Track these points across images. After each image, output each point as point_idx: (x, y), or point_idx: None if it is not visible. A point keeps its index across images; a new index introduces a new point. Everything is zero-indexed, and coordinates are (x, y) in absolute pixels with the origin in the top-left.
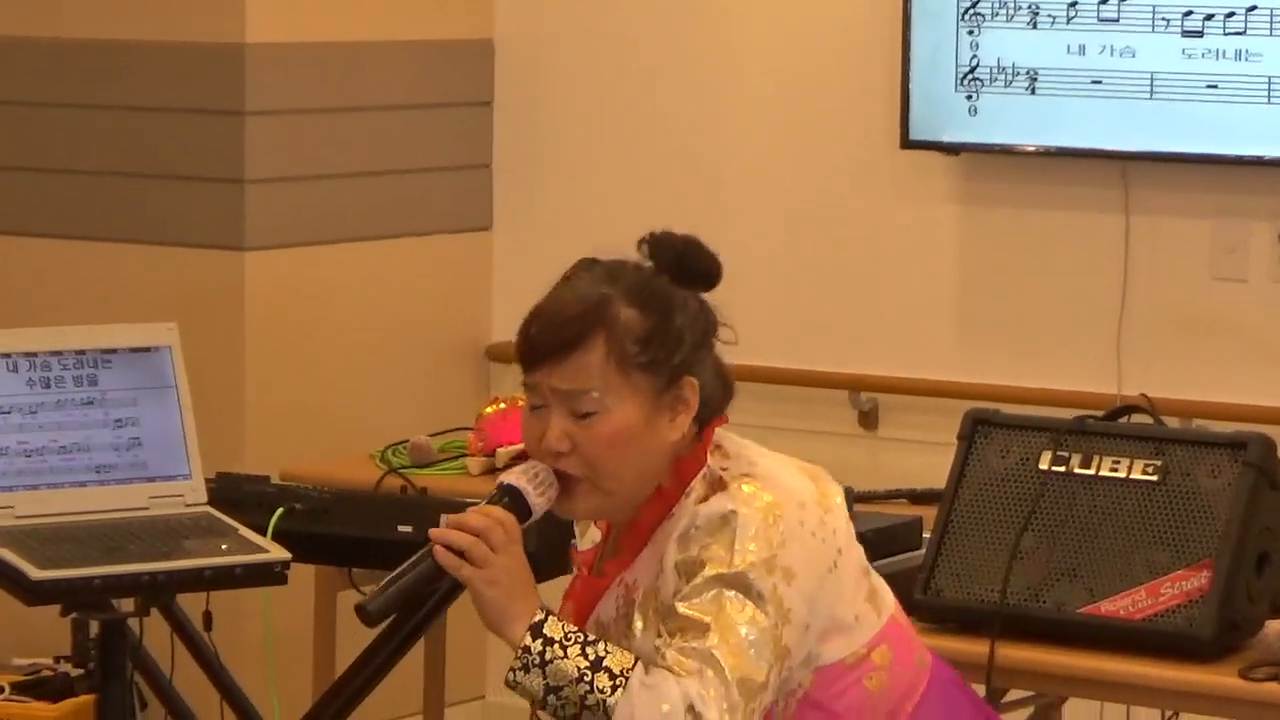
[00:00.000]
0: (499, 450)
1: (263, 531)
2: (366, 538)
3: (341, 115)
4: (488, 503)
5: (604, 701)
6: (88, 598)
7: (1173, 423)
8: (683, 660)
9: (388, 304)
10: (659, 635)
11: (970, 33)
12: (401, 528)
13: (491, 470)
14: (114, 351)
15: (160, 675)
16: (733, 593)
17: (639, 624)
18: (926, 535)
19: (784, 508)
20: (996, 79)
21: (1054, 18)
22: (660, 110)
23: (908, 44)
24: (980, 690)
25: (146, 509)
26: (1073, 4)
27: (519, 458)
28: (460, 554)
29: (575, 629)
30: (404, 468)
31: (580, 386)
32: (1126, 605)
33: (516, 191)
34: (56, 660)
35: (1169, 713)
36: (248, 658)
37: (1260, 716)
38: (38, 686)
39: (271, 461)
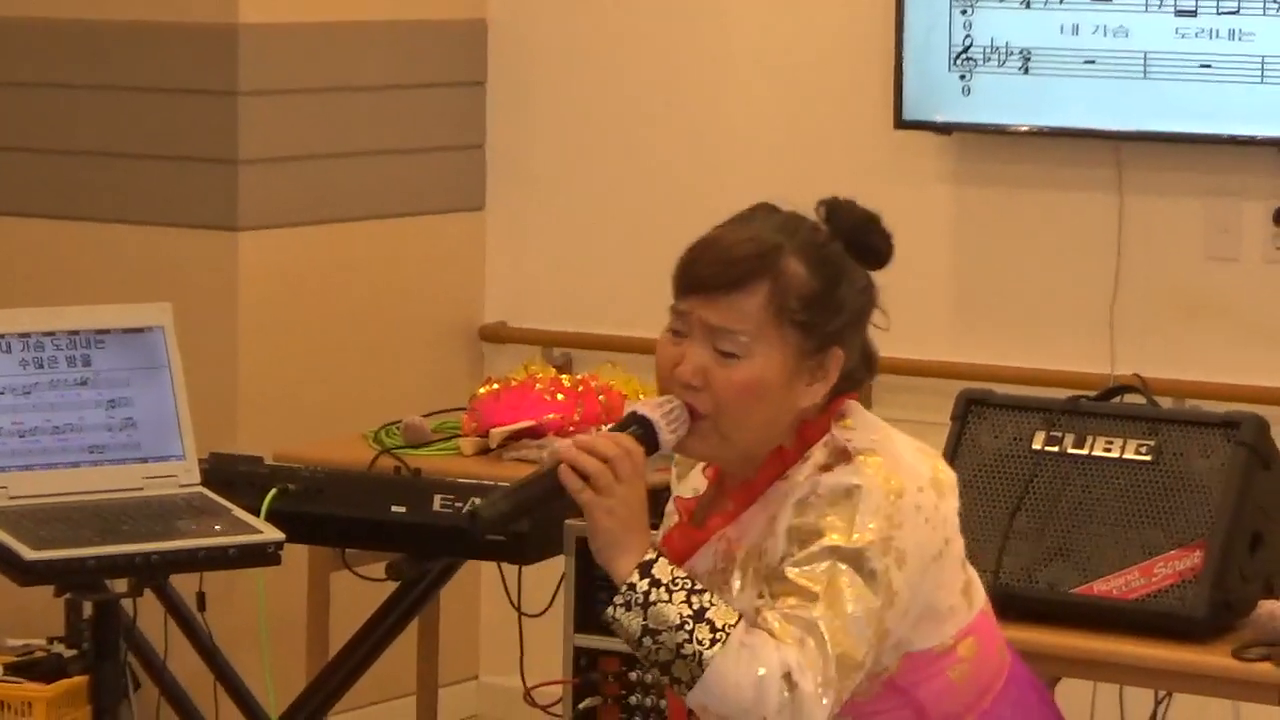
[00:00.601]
0: (492, 431)
1: (256, 512)
2: (360, 518)
3: (335, 95)
4: (616, 429)
5: (700, 654)
6: (81, 578)
7: (1166, 403)
8: (786, 626)
9: (381, 284)
10: (760, 596)
11: (964, 12)
12: (395, 508)
13: (485, 450)
14: (107, 332)
15: (154, 656)
16: (846, 567)
17: (737, 582)
18: None
19: (905, 489)
20: (990, 59)
21: None
22: (653, 90)
23: (901, 24)
24: None
25: (140, 489)
26: None
27: (513, 438)
28: (585, 478)
29: (685, 575)
30: (397, 448)
31: (733, 326)
32: (1120, 585)
33: (509, 172)
34: (50, 641)
35: (1162, 692)
36: (241, 638)
37: (1253, 696)
38: (31, 667)
39: (265, 442)
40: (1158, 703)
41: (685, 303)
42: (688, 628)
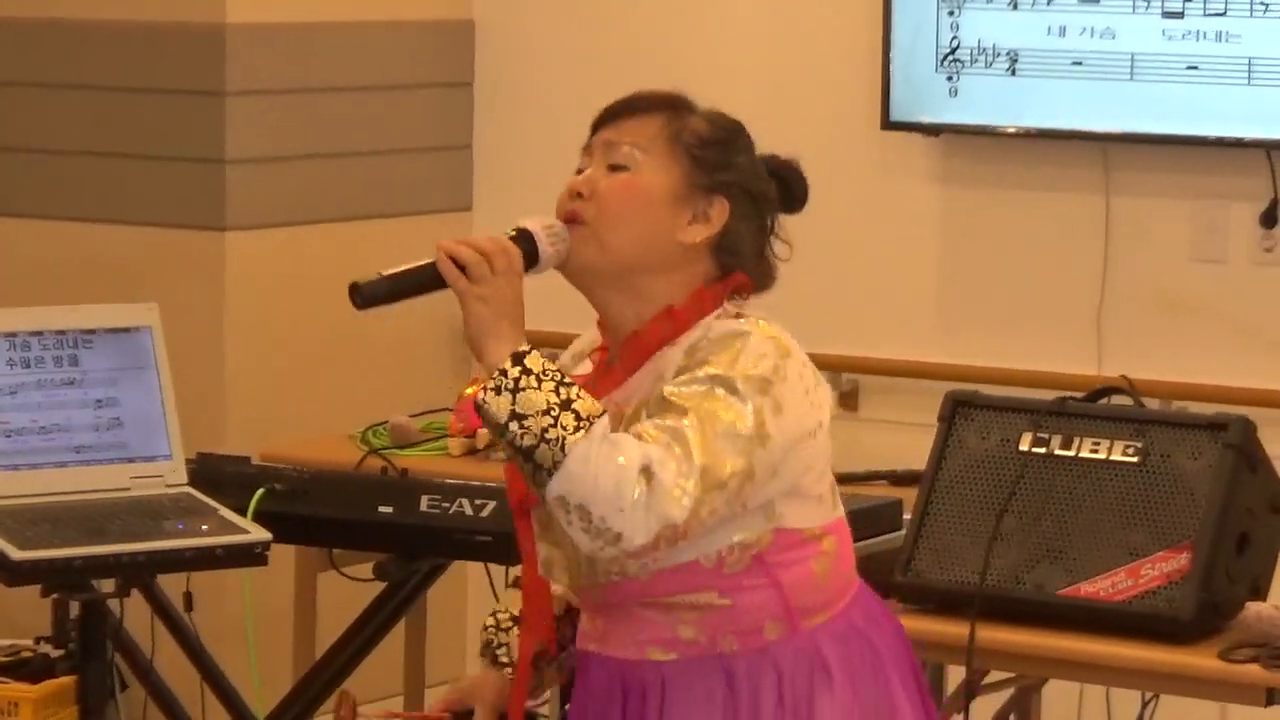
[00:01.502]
0: (479, 431)
1: (243, 512)
2: (347, 519)
3: (322, 96)
4: None
5: (563, 439)
6: (68, 578)
7: (1153, 404)
8: (652, 432)
9: None
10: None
11: (951, 14)
12: (382, 508)
13: (472, 451)
14: (94, 332)
15: (141, 656)
16: (722, 391)
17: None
18: (907, 517)
19: (792, 354)
20: (977, 60)
21: None
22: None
23: (888, 25)
24: (960, 672)
25: (127, 489)
26: None
27: None
28: (462, 269)
29: (556, 369)
30: (385, 448)
31: (628, 140)
32: (1107, 587)
33: (496, 172)
34: (37, 641)
35: (1149, 694)
36: (228, 639)
37: (1240, 697)
38: (18, 667)
39: (252, 442)
40: (1144, 704)
41: (592, 137)
42: (553, 414)
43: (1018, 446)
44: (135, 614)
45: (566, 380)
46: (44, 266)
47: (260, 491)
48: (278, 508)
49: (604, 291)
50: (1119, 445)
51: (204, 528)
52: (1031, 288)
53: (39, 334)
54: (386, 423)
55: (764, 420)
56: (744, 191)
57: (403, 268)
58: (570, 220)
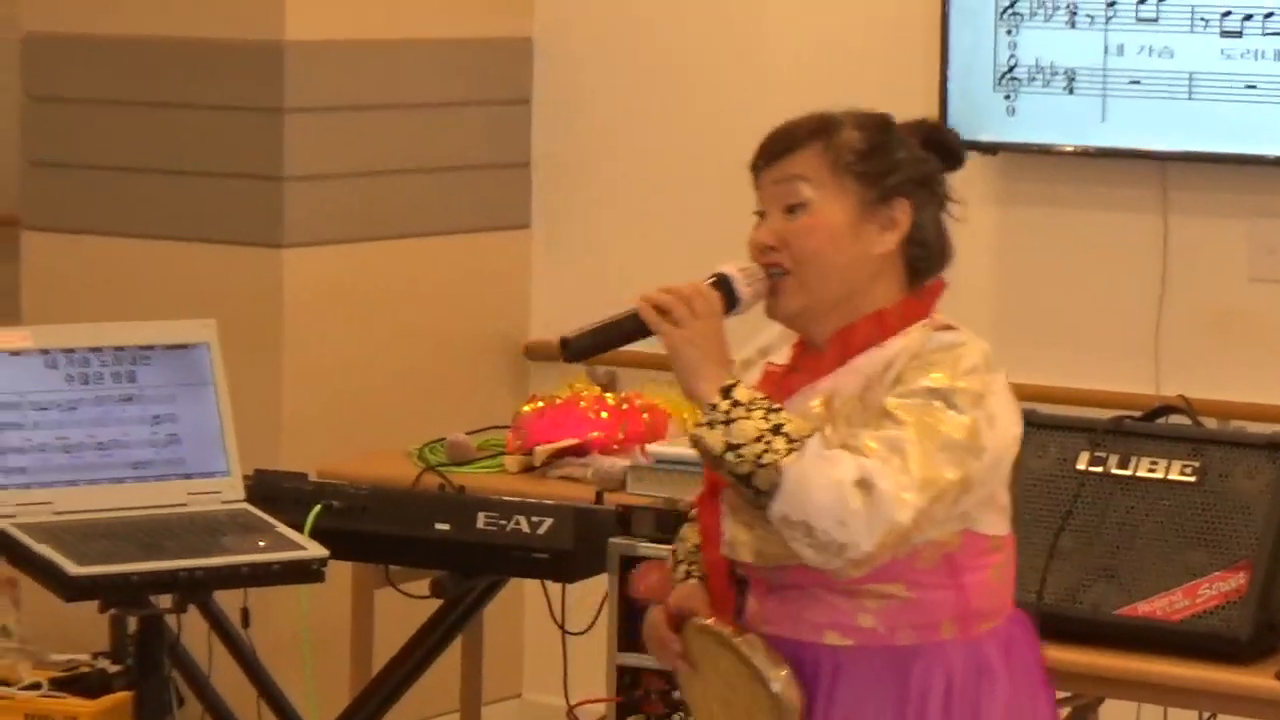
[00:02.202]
0: (537, 449)
1: (300, 528)
2: (404, 535)
3: (380, 113)
4: None
5: (778, 462)
6: (126, 594)
7: (1210, 423)
8: (870, 444)
9: (426, 301)
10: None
11: (1008, 32)
12: (439, 525)
13: (529, 468)
14: (152, 348)
15: (198, 672)
16: (939, 404)
17: (828, 430)
18: None
19: (996, 369)
20: (1034, 79)
21: (1092, 17)
22: (697, 108)
23: (946, 43)
24: None
25: (184, 505)
26: (1111, 4)
27: (557, 456)
28: (664, 314)
29: (763, 397)
30: (441, 465)
31: (796, 172)
32: (1164, 606)
33: (555, 189)
34: (94, 656)
35: (1206, 714)
36: (285, 655)
37: None
38: (75, 682)
39: (309, 458)
40: None
41: (757, 178)
42: (765, 440)
43: (1075, 465)
44: (192, 630)
45: (774, 406)
46: (102, 282)
47: (317, 508)
48: (335, 524)
49: (814, 324)
50: (1176, 465)
51: (261, 544)
52: (1089, 307)
53: (97, 350)
54: (444, 439)
55: (979, 432)
56: (914, 183)
57: (606, 319)
58: (769, 267)
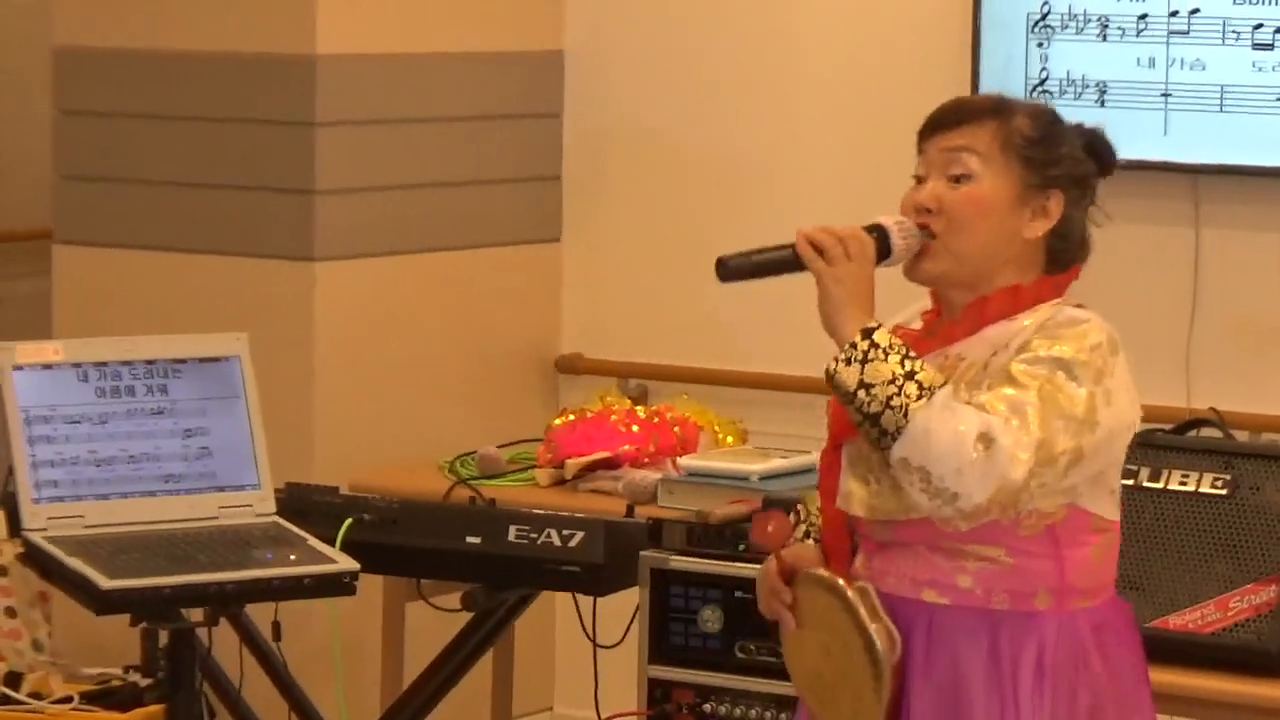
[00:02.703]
0: (568, 462)
1: (331, 542)
2: (435, 548)
3: (411, 126)
4: None
5: (907, 406)
6: (157, 607)
7: (1242, 437)
8: (994, 402)
9: (457, 315)
10: (984, 388)
11: (1040, 45)
12: (470, 538)
13: (560, 481)
14: (184, 361)
15: (229, 685)
16: (1062, 375)
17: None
18: None
19: (1119, 352)
20: (1066, 91)
21: (1124, 30)
22: (728, 121)
23: (977, 56)
24: None
25: (215, 519)
26: (1142, 16)
27: (588, 469)
28: (820, 252)
29: (901, 343)
30: (473, 479)
31: (965, 144)
32: (1195, 619)
33: (585, 203)
34: (126, 670)
35: None
36: (316, 668)
37: None
38: (107, 696)
39: (340, 472)
40: None
41: (925, 144)
42: (898, 384)
43: None
44: (224, 643)
45: (911, 354)
46: (133, 296)
47: (348, 521)
48: (366, 537)
49: (952, 290)
50: (1208, 478)
51: (292, 557)
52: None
53: (129, 363)
54: (475, 453)
55: (1096, 407)
56: (1072, 180)
57: (763, 247)
58: (921, 228)
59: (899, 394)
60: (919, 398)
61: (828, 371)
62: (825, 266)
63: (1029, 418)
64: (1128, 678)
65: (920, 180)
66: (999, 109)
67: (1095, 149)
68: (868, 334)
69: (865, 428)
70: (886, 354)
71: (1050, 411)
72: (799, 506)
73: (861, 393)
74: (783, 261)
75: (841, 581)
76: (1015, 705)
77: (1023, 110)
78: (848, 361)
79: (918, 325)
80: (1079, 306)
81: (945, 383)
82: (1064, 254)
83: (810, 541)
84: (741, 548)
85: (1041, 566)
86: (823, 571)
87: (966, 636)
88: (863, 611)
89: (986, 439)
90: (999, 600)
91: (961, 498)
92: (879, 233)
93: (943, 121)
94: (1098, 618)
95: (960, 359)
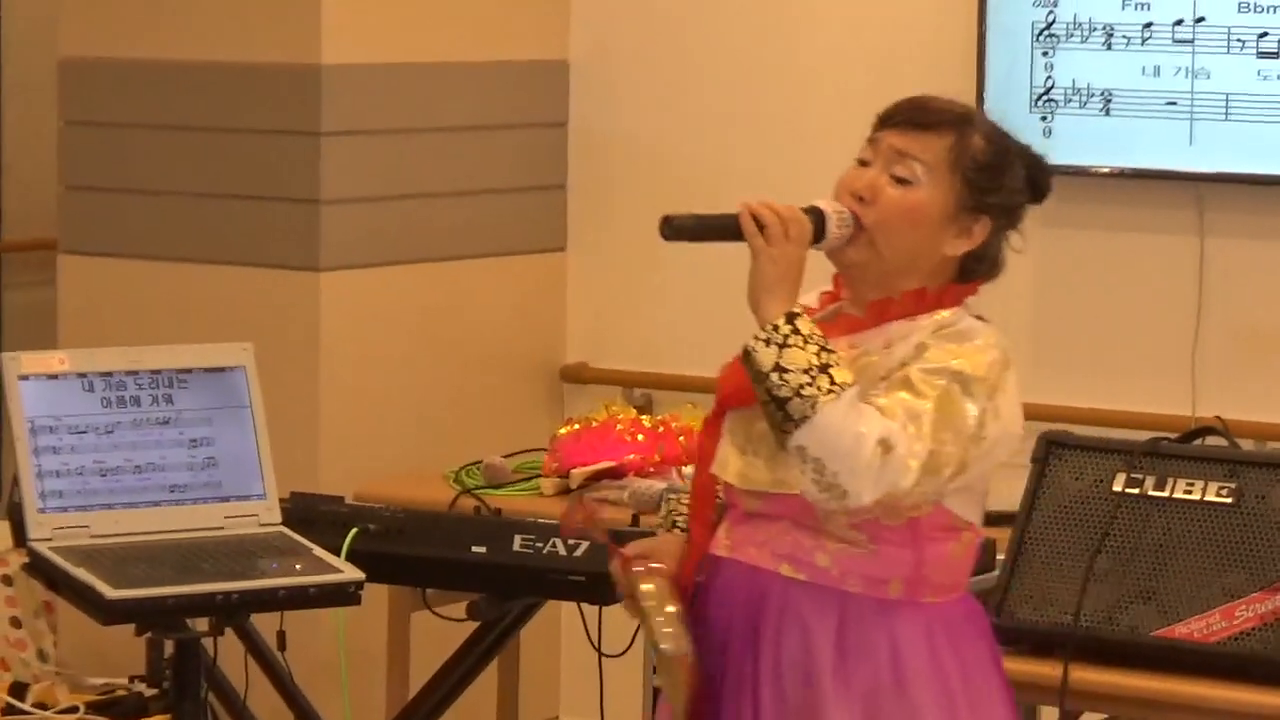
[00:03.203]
0: (573, 471)
1: (337, 552)
2: (440, 558)
3: (416, 136)
4: None
5: (816, 398)
6: (162, 617)
7: (1248, 445)
8: (893, 407)
9: (462, 324)
10: (881, 389)
11: (1045, 54)
12: (475, 548)
13: (566, 491)
14: (189, 371)
15: (234, 695)
16: (958, 388)
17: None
18: (1000, 557)
19: (1010, 367)
20: (1071, 100)
21: (1129, 39)
22: (734, 131)
23: (982, 65)
24: (1053, 713)
25: (221, 529)
26: (1147, 25)
27: (593, 478)
28: (761, 228)
29: (822, 335)
30: (478, 488)
31: (916, 154)
32: (1201, 628)
33: (591, 213)
34: (131, 680)
35: None
36: (321, 678)
37: None
38: (112, 706)
39: (346, 481)
40: None
41: (880, 133)
42: (811, 374)
43: (1111, 487)
44: (229, 653)
45: (829, 347)
46: (139, 306)
47: (354, 531)
48: (371, 547)
49: (861, 282)
50: (1213, 486)
51: (298, 567)
52: (1126, 328)
53: (134, 373)
54: (480, 462)
55: (985, 423)
56: (1004, 209)
57: (709, 213)
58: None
59: (811, 384)
60: (829, 392)
61: (746, 348)
62: (764, 245)
63: (923, 427)
64: (976, 670)
65: (863, 164)
66: (960, 124)
67: (1035, 181)
68: (791, 319)
69: (771, 409)
70: (806, 342)
71: (943, 424)
72: (669, 501)
73: (775, 375)
74: (725, 229)
75: (644, 587)
76: (860, 686)
77: (982, 131)
78: (767, 342)
79: (814, 304)
80: (979, 318)
81: (855, 384)
82: (974, 272)
83: (665, 534)
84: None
85: (899, 555)
86: (636, 569)
87: (816, 614)
88: (653, 619)
89: (885, 445)
90: (853, 583)
91: (850, 496)
92: (817, 216)
93: (903, 120)
94: (948, 613)
95: (858, 350)
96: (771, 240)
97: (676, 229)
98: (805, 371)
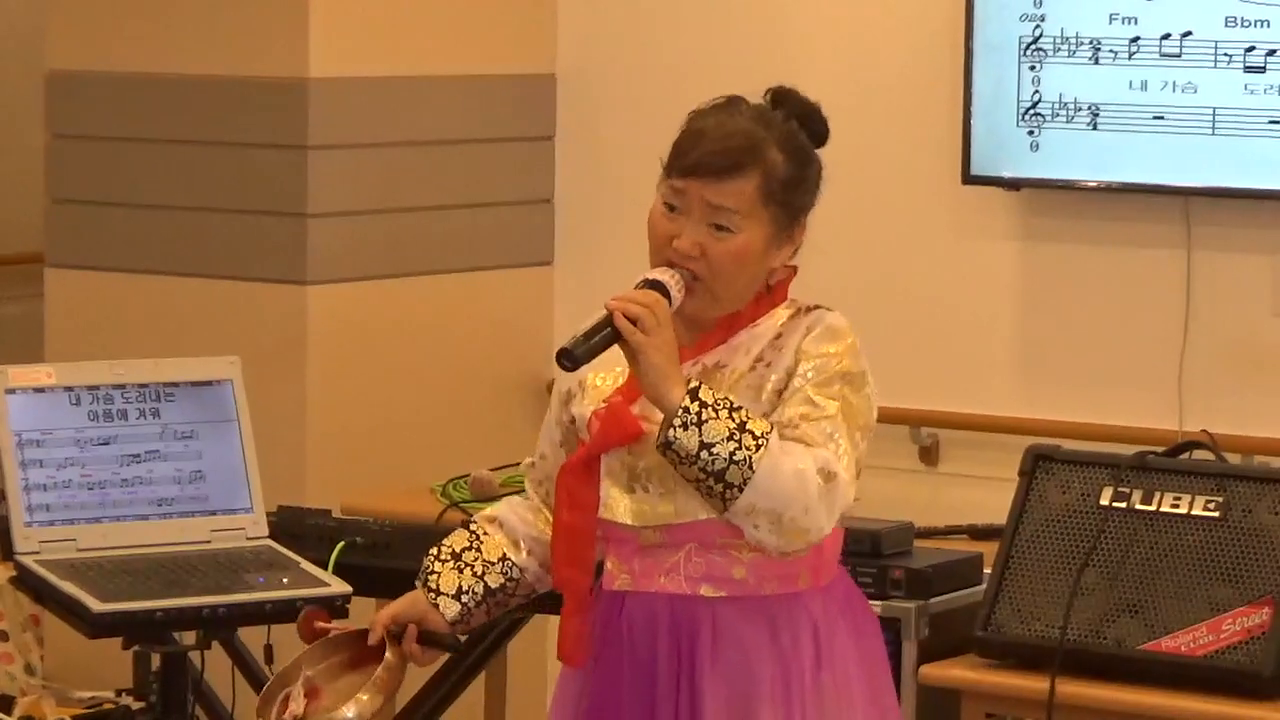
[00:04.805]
0: None
1: (324, 565)
2: None
3: (403, 150)
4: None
5: (749, 458)
6: (149, 630)
7: (1234, 459)
8: (812, 434)
9: (449, 338)
10: (783, 412)
11: (1032, 68)
12: None
13: None
14: (176, 385)
15: (221, 709)
16: (849, 389)
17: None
18: (987, 571)
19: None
20: (1058, 114)
21: (1116, 53)
22: None
23: (969, 79)
24: None
25: (208, 542)
26: (1134, 39)
27: None
28: (634, 322)
29: (724, 396)
30: (465, 501)
31: (730, 205)
32: (1187, 642)
33: (578, 226)
34: (118, 693)
35: None
36: None
37: None
38: (99, 719)
39: (333, 495)
40: None
41: (685, 182)
42: (735, 438)
43: (1098, 501)
44: (216, 667)
45: (733, 403)
46: (126, 319)
47: (341, 544)
48: (358, 560)
49: (702, 318)
50: (1200, 500)
51: (285, 580)
52: (1112, 342)
53: (121, 387)
54: (467, 476)
55: (873, 405)
56: (813, 196)
57: (589, 326)
58: (684, 271)
59: (739, 448)
60: (758, 448)
61: (664, 440)
62: (645, 338)
63: (841, 441)
64: (874, 644)
65: (671, 208)
66: (756, 154)
67: (819, 136)
68: (694, 395)
69: (708, 484)
70: (716, 410)
71: (853, 427)
72: (432, 549)
73: (704, 454)
74: (609, 337)
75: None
76: (800, 681)
77: (774, 143)
78: (684, 425)
79: (613, 378)
80: (817, 307)
81: (773, 427)
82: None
83: (419, 593)
84: None
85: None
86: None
87: (748, 624)
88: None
89: (826, 473)
90: (770, 586)
91: (813, 532)
92: (659, 289)
93: (704, 171)
94: (842, 584)
95: (720, 367)
96: (649, 330)
97: (575, 357)
98: (729, 439)
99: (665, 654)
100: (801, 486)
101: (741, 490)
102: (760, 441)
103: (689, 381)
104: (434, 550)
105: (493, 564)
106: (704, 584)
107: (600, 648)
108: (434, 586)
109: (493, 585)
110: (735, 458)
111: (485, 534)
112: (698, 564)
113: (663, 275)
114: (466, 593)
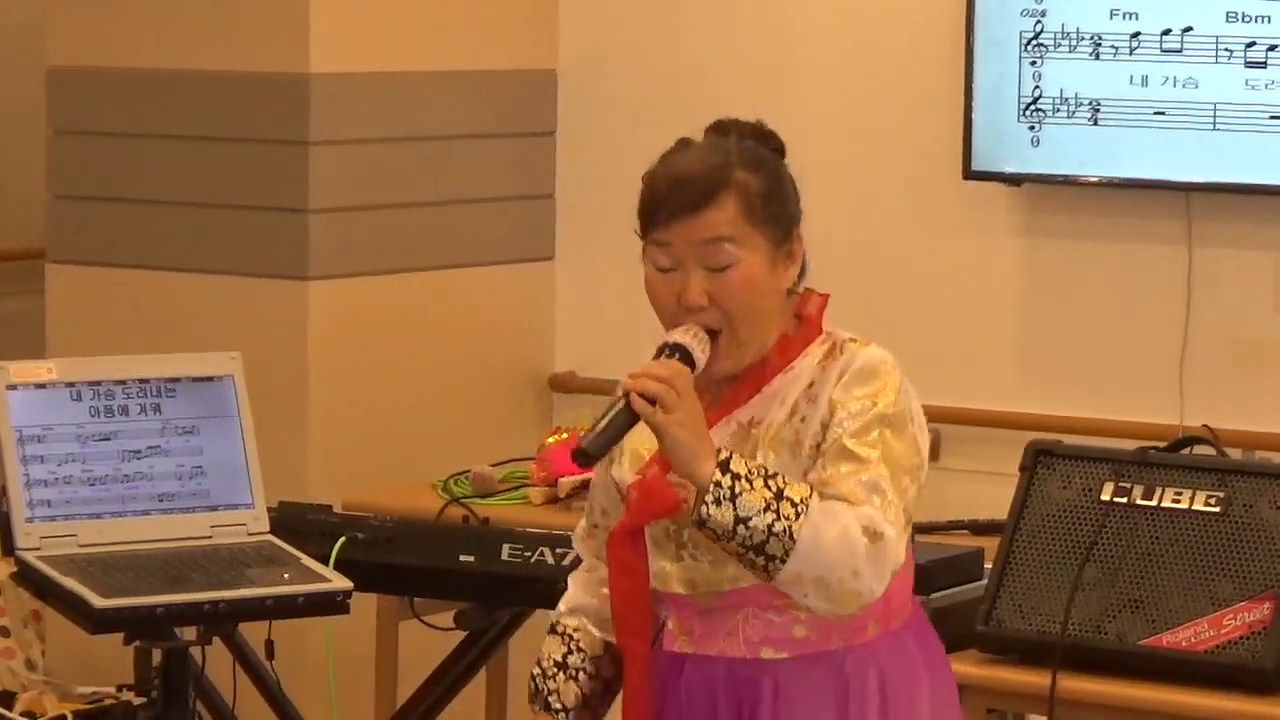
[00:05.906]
0: (561, 480)
1: (325, 560)
2: (428, 567)
3: (405, 145)
4: (657, 358)
5: (789, 528)
6: (150, 626)
7: (1235, 454)
8: (855, 490)
9: (450, 334)
10: (822, 469)
11: (1033, 63)
12: (464, 557)
13: (553, 500)
14: (178, 380)
15: (222, 704)
16: (890, 432)
17: (760, 457)
18: (988, 566)
19: (903, 374)
20: (1059, 110)
21: (1116, 49)
22: None
23: (970, 75)
24: None
25: (209, 538)
26: (1135, 35)
27: (581, 488)
28: (652, 401)
29: (758, 464)
30: (466, 497)
31: (720, 234)
32: (1189, 637)
33: (579, 222)
34: (119, 689)
35: None
36: (309, 687)
37: None
38: (100, 715)
39: (334, 490)
40: None
41: (665, 234)
42: (773, 508)
43: (1099, 496)
44: (217, 662)
45: (768, 471)
46: (127, 315)
47: (342, 540)
48: (359, 556)
49: (734, 368)
50: (1201, 495)
51: (285, 576)
52: (1113, 337)
53: (122, 383)
54: (468, 471)
55: (920, 446)
56: (798, 205)
57: (606, 418)
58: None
59: (778, 518)
60: (797, 516)
61: (699, 517)
62: (666, 417)
63: (887, 493)
64: (946, 684)
65: (664, 270)
66: (724, 176)
67: (771, 143)
68: (725, 467)
69: (750, 558)
70: (751, 481)
71: (897, 473)
72: (535, 665)
73: (741, 528)
74: (629, 422)
75: None
76: None
77: (737, 163)
78: (717, 501)
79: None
80: (852, 340)
81: (812, 490)
82: (799, 279)
83: (544, 717)
84: None
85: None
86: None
87: (811, 683)
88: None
89: (872, 533)
90: (835, 641)
91: (864, 595)
92: (681, 354)
93: (680, 210)
94: (914, 624)
95: (755, 423)
96: (670, 407)
97: (591, 454)
98: (766, 510)
99: (725, 717)
100: (848, 550)
101: (784, 561)
102: (800, 509)
103: (719, 453)
104: (536, 670)
105: (600, 657)
106: (764, 647)
107: (659, 707)
108: (559, 706)
109: (609, 676)
110: (774, 529)
111: (577, 630)
112: (756, 626)
113: (684, 336)
114: (591, 696)
